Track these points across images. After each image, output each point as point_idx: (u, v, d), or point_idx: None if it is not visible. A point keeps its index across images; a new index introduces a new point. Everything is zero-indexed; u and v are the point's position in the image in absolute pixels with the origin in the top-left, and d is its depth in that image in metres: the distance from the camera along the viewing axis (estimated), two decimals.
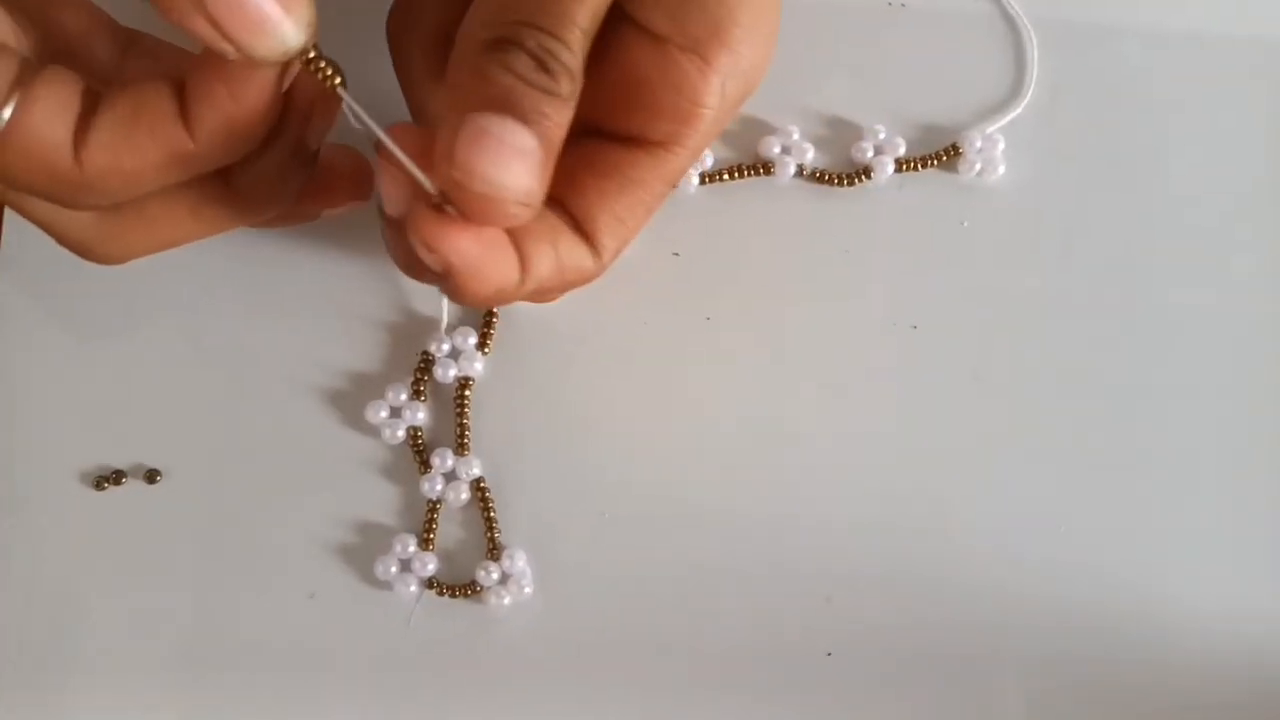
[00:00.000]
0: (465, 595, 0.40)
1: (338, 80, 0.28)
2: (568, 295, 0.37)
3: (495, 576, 0.39)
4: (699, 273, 0.41)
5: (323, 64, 0.28)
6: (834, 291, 0.41)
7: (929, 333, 0.41)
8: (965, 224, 0.41)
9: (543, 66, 0.28)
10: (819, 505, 0.40)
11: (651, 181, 0.32)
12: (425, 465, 0.41)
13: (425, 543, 0.40)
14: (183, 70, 0.29)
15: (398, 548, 0.40)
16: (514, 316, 0.41)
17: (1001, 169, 0.41)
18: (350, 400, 0.41)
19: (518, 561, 0.40)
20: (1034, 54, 0.42)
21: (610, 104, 0.32)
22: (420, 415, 0.41)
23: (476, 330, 0.41)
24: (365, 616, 0.40)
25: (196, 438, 0.41)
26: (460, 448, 0.41)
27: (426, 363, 0.41)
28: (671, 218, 0.40)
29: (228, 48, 0.27)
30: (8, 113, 0.28)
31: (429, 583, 0.40)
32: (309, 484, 0.40)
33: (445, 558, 0.40)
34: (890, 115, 0.42)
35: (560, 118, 0.29)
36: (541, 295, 0.34)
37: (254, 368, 0.41)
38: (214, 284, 0.41)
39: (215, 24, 0.26)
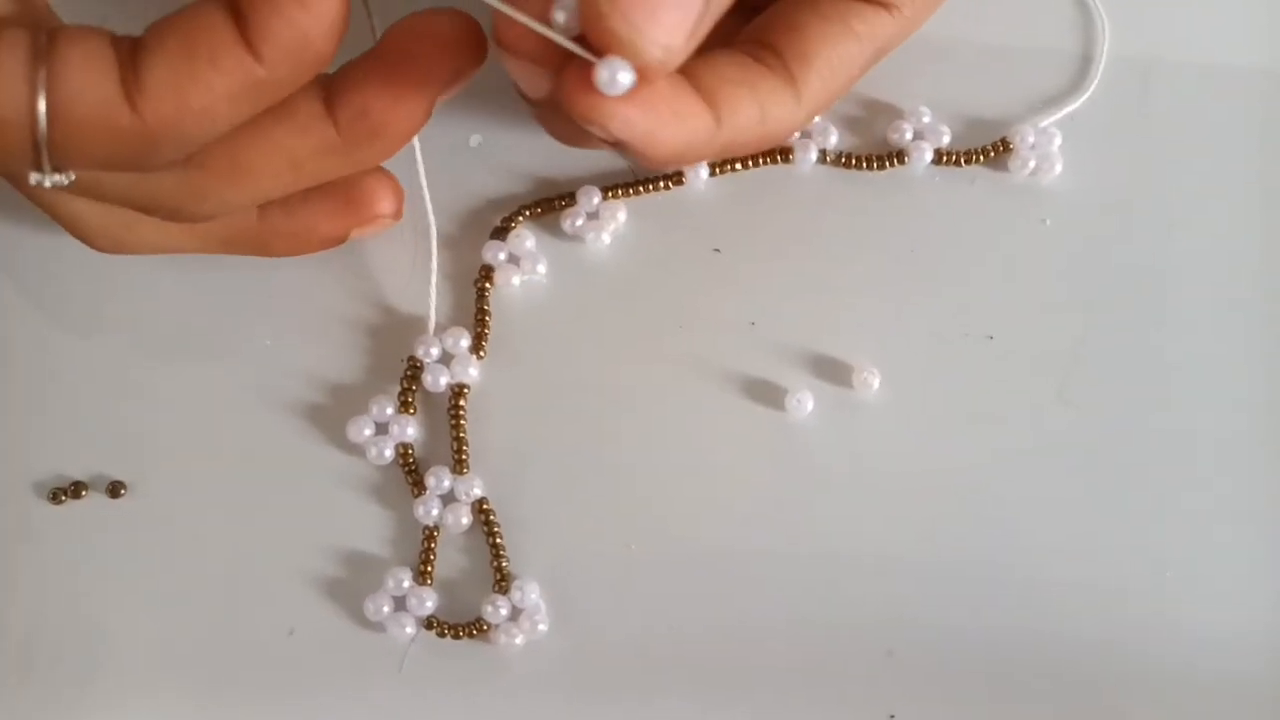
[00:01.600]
0: (470, 635, 0.37)
1: None
2: (572, 294, 0.37)
3: (504, 612, 0.37)
4: (736, 266, 0.38)
5: None
6: (888, 294, 0.38)
7: (1005, 343, 0.38)
8: (1048, 222, 0.38)
9: None
10: (880, 542, 0.37)
11: (869, 39, 0.32)
12: (419, 487, 0.37)
13: (422, 576, 0.37)
14: None
15: (390, 583, 0.37)
16: (512, 314, 0.38)
17: (1059, 168, 0.38)
18: (329, 415, 0.38)
19: (530, 594, 0.37)
20: (1105, 40, 0.38)
21: None
22: (410, 431, 0.37)
23: (470, 330, 0.38)
24: (353, 660, 0.37)
25: (165, 448, 0.38)
26: (458, 465, 0.37)
27: (414, 370, 0.37)
28: (708, 209, 0.38)
29: None
30: (42, 95, 0.26)
31: (428, 622, 0.37)
32: (288, 507, 0.38)
33: (446, 592, 0.37)
34: (933, 102, 0.39)
35: None
36: (736, 148, 0.32)
37: (225, 374, 0.38)
38: (181, 280, 0.39)
39: None
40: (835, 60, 0.32)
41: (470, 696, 0.37)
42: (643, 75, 0.27)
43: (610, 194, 0.38)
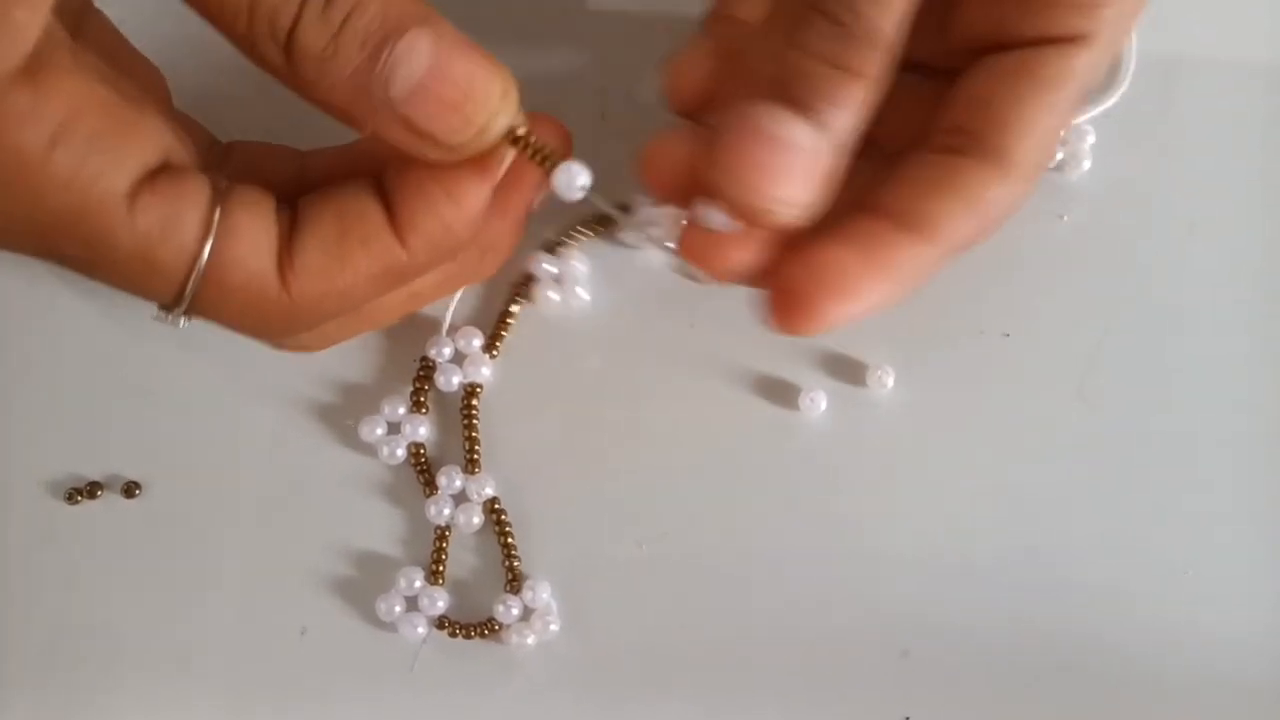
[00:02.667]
0: (481, 635, 0.37)
1: (557, 160, 0.27)
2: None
3: (516, 612, 0.36)
4: None
5: (533, 142, 0.27)
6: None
7: (1022, 341, 0.37)
8: (1065, 218, 0.37)
9: (844, 31, 0.26)
10: (894, 542, 0.36)
11: (1066, 80, 0.29)
12: (431, 487, 0.37)
13: (434, 575, 0.37)
14: (379, 173, 0.29)
15: (402, 583, 0.37)
16: (525, 314, 0.37)
17: (1086, 164, 0.37)
18: (342, 414, 0.37)
19: (542, 594, 0.36)
20: (1133, 39, 0.37)
21: (1001, 12, 0.30)
22: (422, 430, 0.37)
23: (483, 330, 0.37)
24: (365, 660, 0.37)
25: (180, 448, 0.38)
26: (470, 465, 0.37)
27: (427, 370, 0.37)
28: None
29: (426, 146, 0.26)
30: (207, 249, 0.26)
31: (439, 622, 0.37)
32: (301, 506, 0.37)
33: (457, 591, 0.37)
34: None
35: (859, 97, 0.26)
36: (966, 245, 0.30)
37: (238, 374, 0.38)
38: None
39: (410, 125, 0.26)
40: (1033, 117, 0.29)
41: (481, 697, 0.37)
42: (783, 229, 0.27)
43: None
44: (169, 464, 0.38)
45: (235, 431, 0.38)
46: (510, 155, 0.28)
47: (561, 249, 0.36)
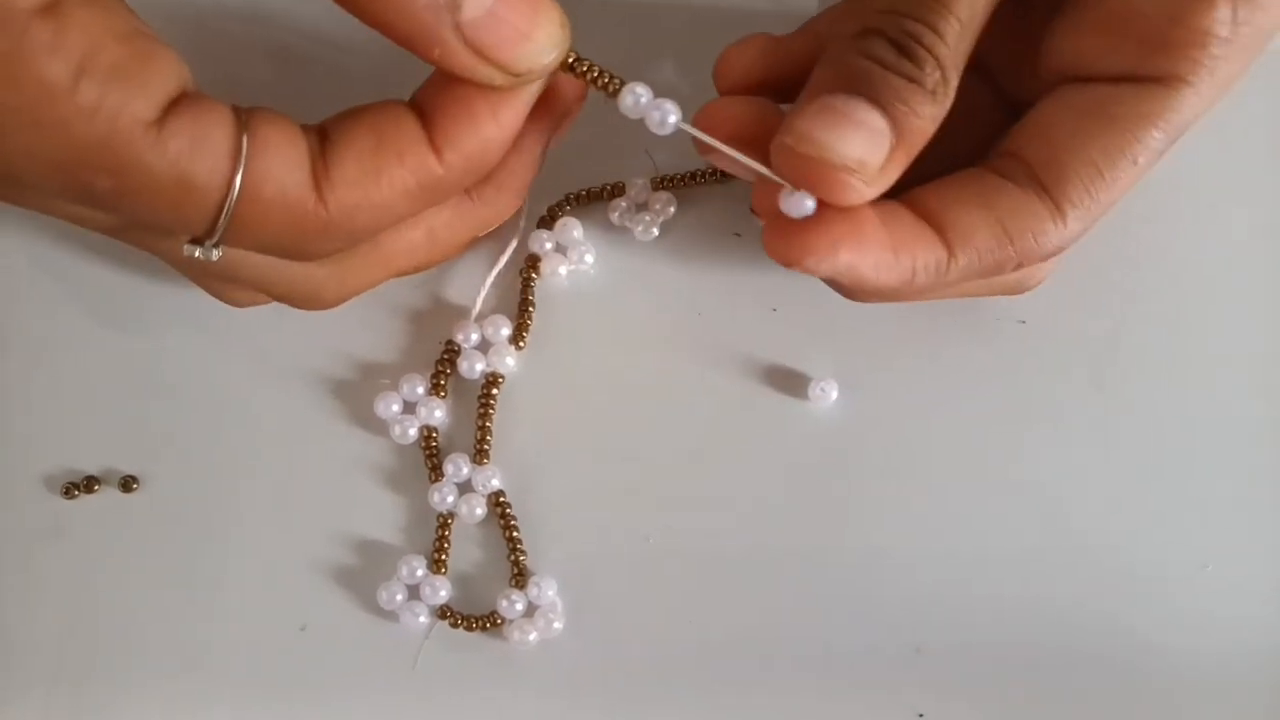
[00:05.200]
0: (484, 628, 0.36)
1: (618, 83, 0.28)
2: (618, 285, 0.36)
3: (520, 607, 0.35)
4: (758, 251, 0.36)
5: (590, 68, 0.28)
6: None
7: (1038, 329, 0.36)
8: None
9: (905, 52, 0.27)
10: (906, 536, 0.36)
11: (1141, 123, 0.28)
12: (437, 473, 0.36)
13: (436, 565, 0.36)
14: (412, 97, 0.29)
15: (404, 571, 0.36)
16: (555, 306, 0.37)
17: None
18: (358, 394, 0.37)
19: (547, 591, 0.36)
20: None
21: (1085, 44, 0.29)
22: (438, 414, 0.37)
23: (511, 320, 0.37)
24: (366, 651, 0.36)
25: (180, 439, 0.37)
26: (479, 455, 0.36)
27: (451, 354, 0.37)
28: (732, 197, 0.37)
29: (493, 72, 0.27)
30: (240, 168, 0.26)
31: (441, 612, 0.36)
32: (304, 492, 0.37)
33: (460, 583, 0.36)
34: None
35: (924, 110, 0.27)
36: (989, 273, 0.30)
37: (239, 362, 0.37)
38: None
39: (479, 51, 0.26)
40: (1098, 157, 0.28)
41: (482, 693, 0.36)
42: (841, 200, 0.28)
43: (660, 185, 0.37)
44: (167, 457, 0.37)
45: (234, 421, 0.37)
46: (538, 88, 0.28)
47: (557, 222, 0.37)
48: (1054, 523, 0.35)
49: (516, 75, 0.27)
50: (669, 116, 0.28)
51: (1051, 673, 0.35)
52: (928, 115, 0.27)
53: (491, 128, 0.28)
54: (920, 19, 0.27)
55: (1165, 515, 0.35)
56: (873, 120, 0.27)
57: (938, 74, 0.27)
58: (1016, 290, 0.33)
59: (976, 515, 0.35)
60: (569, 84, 0.30)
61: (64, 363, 0.38)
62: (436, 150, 0.28)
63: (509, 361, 0.36)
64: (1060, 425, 0.36)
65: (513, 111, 0.28)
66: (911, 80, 0.27)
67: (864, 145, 0.27)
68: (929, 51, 0.27)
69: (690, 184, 0.37)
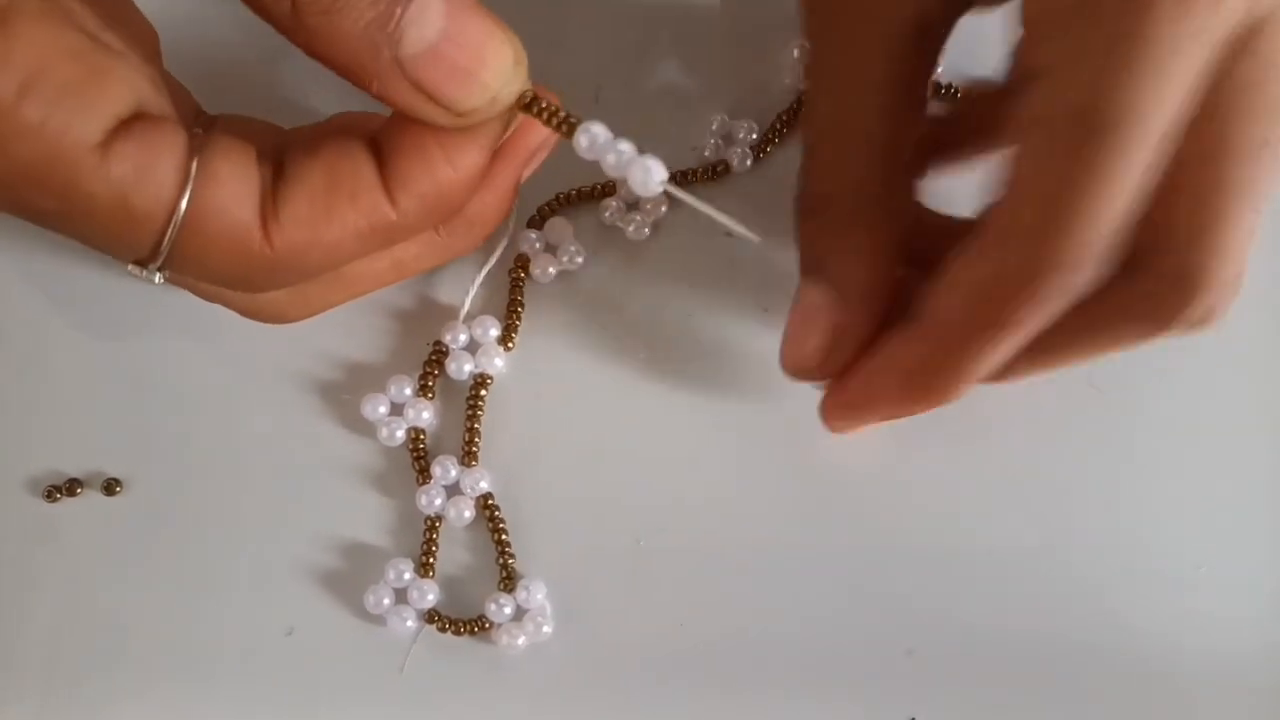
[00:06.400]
0: (472, 632, 0.35)
1: (574, 123, 0.27)
2: (607, 286, 0.36)
3: (508, 611, 0.35)
4: (757, 262, 0.37)
5: (546, 106, 0.27)
6: None
7: None
8: None
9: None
10: (898, 537, 0.36)
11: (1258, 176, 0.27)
12: (425, 475, 0.36)
13: (424, 568, 0.36)
14: (373, 131, 0.28)
15: (391, 574, 0.36)
16: (545, 307, 0.37)
17: None
18: (344, 394, 0.37)
19: (536, 594, 0.35)
20: None
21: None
22: (425, 415, 0.36)
23: (500, 320, 0.36)
24: (354, 655, 0.36)
25: (164, 441, 0.37)
26: (467, 457, 0.36)
27: (439, 355, 0.36)
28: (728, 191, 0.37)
29: (436, 111, 0.26)
30: (185, 199, 0.26)
31: (429, 615, 0.35)
32: (290, 495, 0.36)
33: (448, 586, 0.36)
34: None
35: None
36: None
37: (223, 364, 0.37)
38: None
39: (420, 86, 0.25)
40: (1225, 208, 0.27)
41: (470, 697, 0.35)
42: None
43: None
44: (151, 459, 0.37)
45: (218, 423, 0.37)
46: (513, 124, 0.28)
47: (547, 222, 0.36)
48: (1050, 523, 0.35)
49: (460, 115, 0.26)
50: (653, 176, 0.27)
51: (1045, 675, 0.35)
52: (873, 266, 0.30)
53: (446, 170, 0.27)
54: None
55: (1163, 515, 0.35)
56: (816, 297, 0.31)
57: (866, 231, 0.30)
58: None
59: (970, 516, 0.35)
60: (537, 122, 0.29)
61: (46, 364, 0.37)
62: (389, 193, 0.27)
63: (498, 363, 0.36)
64: (1059, 425, 0.36)
65: (470, 155, 0.27)
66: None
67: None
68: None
69: (682, 183, 0.36)
